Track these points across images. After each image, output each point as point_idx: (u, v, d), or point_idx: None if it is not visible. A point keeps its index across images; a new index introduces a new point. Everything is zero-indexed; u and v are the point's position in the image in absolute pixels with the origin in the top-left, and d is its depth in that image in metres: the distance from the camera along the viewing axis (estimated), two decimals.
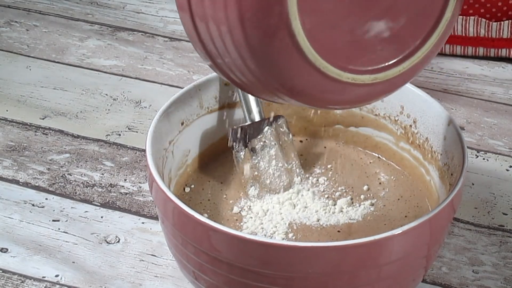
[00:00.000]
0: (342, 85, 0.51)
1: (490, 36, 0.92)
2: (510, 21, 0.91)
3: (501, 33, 0.91)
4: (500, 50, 0.93)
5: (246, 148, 0.68)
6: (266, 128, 0.69)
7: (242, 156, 0.68)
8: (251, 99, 0.69)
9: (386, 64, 0.52)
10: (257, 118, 0.69)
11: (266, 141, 0.69)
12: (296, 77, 0.50)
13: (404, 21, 0.52)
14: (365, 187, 0.70)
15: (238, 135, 0.68)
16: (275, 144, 0.69)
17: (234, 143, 0.68)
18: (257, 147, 0.69)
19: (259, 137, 0.69)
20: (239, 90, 0.70)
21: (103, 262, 0.70)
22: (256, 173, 0.68)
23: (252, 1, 0.47)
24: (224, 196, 0.69)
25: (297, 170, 0.70)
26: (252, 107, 0.69)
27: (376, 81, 0.52)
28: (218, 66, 0.53)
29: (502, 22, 0.91)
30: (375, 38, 0.51)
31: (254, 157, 0.68)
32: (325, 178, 0.70)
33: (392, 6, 0.51)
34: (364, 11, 0.50)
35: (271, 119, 0.69)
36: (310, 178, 0.70)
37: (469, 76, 0.92)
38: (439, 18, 0.53)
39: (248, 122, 0.69)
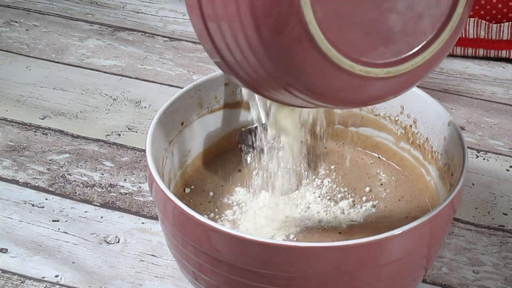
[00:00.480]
0: (354, 78, 0.51)
1: (490, 38, 0.92)
2: (510, 23, 0.91)
3: (501, 35, 0.91)
4: (500, 51, 0.93)
5: (255, 150, 0.68)
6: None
7: (250, 158, 0.68)
8: (258, 100, 0.69)
9: (399, 58, 0.52)
10: (264, 119, 0.69)
11: (275, 143, 0.68)
12: (308, 69, 0.49)
13: (416, 15, 0.51)
14: (367, 189, 0.70)
15: (247, 137, 0.68)
16: (283, 146, 0.68)
17: (243, 145, 0.68)
18: (265, 149, 0.68)
19: (267, 138, 0.68)
20: (247, 92, 0.69)
21: (103, 262, 0.69)
22: (264, 175, 0.68)
23: None
24: (225, 196, 0.69)
25: (305, 172, 0.70)
26: (260, 109, 0.69)
27: (389, 75, 0.51)
28: (228, 64, 0.52)
29: (502, 24, 0.91)
30: (387, 31, 0.51)
31: (262, 159, 0.68)
32: (329, 180, 0.70)
33: None
34: (376, 2, 0.50)
35: None
36: (316, 179, 0.70)
37: (469, 76, 0.92)
38: (450, 12, 0.52)
39: (256, 124, 0.69)
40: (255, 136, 0.68)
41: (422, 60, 0.52)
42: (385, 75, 0.51)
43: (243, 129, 0.69)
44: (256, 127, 0.69)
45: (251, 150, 0.68)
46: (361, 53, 0.50)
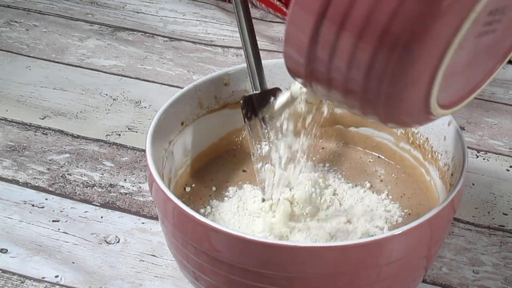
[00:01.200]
0: (433, 118, 0.53)
1: None
2: None
3: None
4: None
5: (257, 117, 0.68)
6: (272, 98, 0.68)
7: (253, 125, 0.68)
8: (258, 70, 0.69)
9: (466, 92, 0.55)
10: (263, 88, 0.68)
11: (277, 123, 0.68)
12: (408, 115, 0.52)
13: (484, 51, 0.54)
14: (368, 184, 0.69)
15: (249, 102, 0.68)
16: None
17: (247, 111, 0.68)
18: (266, 117, 0.68)
19: (267, 106, 0.68)
20: (247, 61, 0.69)
21: (103, 262, 0.69)
22: (267, 164, 0.68)
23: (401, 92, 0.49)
24: (225, 196, 0.69)
25: (307, 170, 0.69)
26: (258, 78, 0.69)
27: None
28: (321, 92, 0.53)
29: None
30: (467, 73, 0.53)
31: (264, 126, 0.68)
32: (333, 177, 0.70)
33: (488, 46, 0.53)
34: (465, 60, 0.51)
35: (277, 90, 0.68)
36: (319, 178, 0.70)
37: None
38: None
39: (258, 91, 0.68)
40: (257, 102, 0.68)
41: (481, 89, 0.55)
42: (452, 111, 0.54)
43: (245, 94, 0.68)
44: (257, 94, 0.68)
45: (253, 116, 0.68)
46: (446, 100, 0.52)
